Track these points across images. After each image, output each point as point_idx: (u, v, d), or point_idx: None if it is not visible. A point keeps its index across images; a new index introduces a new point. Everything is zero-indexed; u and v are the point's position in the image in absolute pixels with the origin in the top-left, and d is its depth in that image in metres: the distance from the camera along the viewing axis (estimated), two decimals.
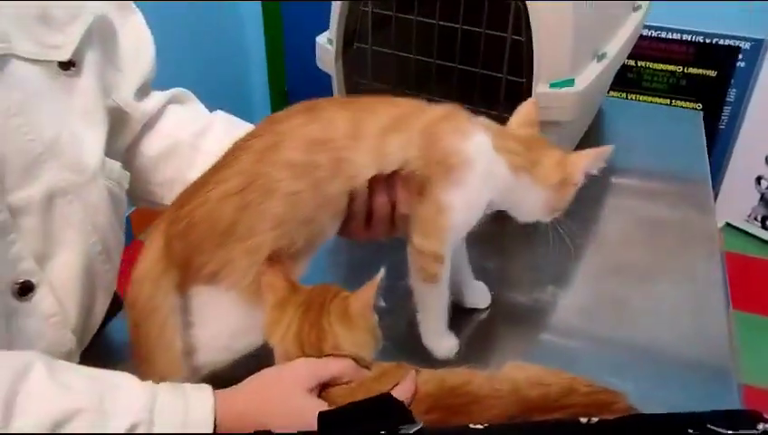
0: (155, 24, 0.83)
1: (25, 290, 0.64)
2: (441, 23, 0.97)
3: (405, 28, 1.00)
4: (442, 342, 0.81)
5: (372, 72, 1.06)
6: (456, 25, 0.95)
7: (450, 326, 0.81)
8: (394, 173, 0.70)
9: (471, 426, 0.47)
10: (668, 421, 0.44)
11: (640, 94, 2.58)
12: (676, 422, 0.43)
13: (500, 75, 0.96)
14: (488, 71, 0.97)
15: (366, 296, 0.65)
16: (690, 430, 0.42)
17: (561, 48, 0.92)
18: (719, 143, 2.58)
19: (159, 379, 0.63)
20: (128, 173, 0.75)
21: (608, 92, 2.58)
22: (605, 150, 0.77)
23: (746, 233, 2.62)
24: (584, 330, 0.90)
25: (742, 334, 2.21)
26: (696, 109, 2.50)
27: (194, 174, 0.71)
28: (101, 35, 0.73)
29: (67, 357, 0.69)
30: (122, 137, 0.80)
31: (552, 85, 0.94)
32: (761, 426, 0.41)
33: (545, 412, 0.59)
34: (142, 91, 0.81)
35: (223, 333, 0.69)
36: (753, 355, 2.13)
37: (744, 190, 2.57)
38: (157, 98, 0.84)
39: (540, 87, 0.94)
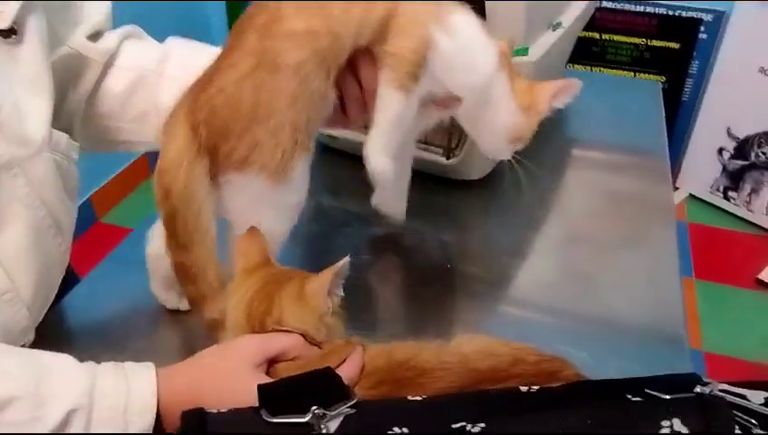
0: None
1: None
2: None
3: None
4: (383, 157, 0.74)
5: None
6: None
7: (405, 299, 0.81)
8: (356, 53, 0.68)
9: (409, 398, 0.46)
10: (608, 387, 0.44)
11: (604, 67, 2.59)
12: (615, 388, 0.43)
13: None
14: None
15: (323, 279, 0.63)
16: (629, 395, 0.42)
17: (514, 17, 0.91)
18: (682, 115, 2.61)
19: (196, 270, 0.67)
20: (76, 144, 0.72)
21: (572, 65, 2.63)
22: (573, 84, 0.77)
23: (709, 204, 2.66)
24: (541, 301, 0.90)
25: (705, 303, 2.25)
26: (658, 81, 2.51)
27: (165, 100, 0.70)
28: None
29: (22, 334, 0.67)
30: (85, 82, 0.79)
31: None
32: (698, 388, 0.41)
33: (494, 383, 0.59)
34: (96, 37, 0.80)
35: (258, 220, 0.68)
36: (715, 323, 2.17)
37: (707, 162, 2.60)
38: (111, 37, 0.82)
39: None
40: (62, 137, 0.69)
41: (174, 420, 0.54)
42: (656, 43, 2.49)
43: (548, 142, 1.15)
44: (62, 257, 0.73)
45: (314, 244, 0.97)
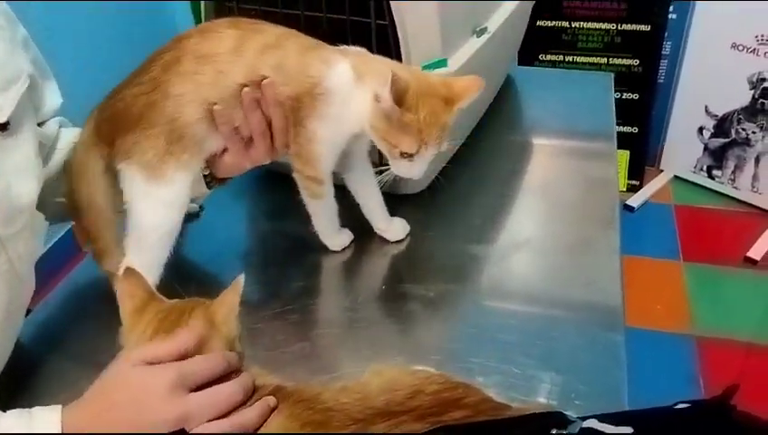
0: (86, 26, 0.88)
1: None
2: (306, 13, 0.93)
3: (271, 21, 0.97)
4: (334, 239, 0.97)
5: None
6: (321, 14, 0.92)
7: (350, 322, 0.88)
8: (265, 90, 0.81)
9: None
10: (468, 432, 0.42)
11: (577, 56, 2.55)
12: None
13: None
14: None
15: (231, 302, 0.64)
16: None
17: (428, 28, 0.90)
18: (660, 98, 2.57)
19: (95, 231, 0.85)
20: (47, 222, 0.79)
21: (544, 55, 2.60)
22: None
23: (694, 184, 2.62)
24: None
25: (693, 285, 2.22)
26: (632, 65, 2.48)
27: None
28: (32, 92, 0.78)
29: None
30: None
31: (424, 67, 0.91)
32: (554, 432, 0.40)
33: (389, 417, 0.58)
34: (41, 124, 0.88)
35: (139, 210, 0.83)
36: (704, 306, 2.14)
37: (688, 142, 2.57)
38: (52, 123, 0.89)
39: None
40: (39, 216, 0.75)
41: None
42: (626, 26, 2.45)
43: (507, 135, 1.28)
44: (21, 320, 0.79)
45: (261, 269, 0.99)
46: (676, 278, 2.26)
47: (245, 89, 0.80)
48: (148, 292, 0.67)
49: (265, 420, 0.58)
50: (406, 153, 0.80)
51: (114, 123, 0.82)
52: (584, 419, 0.42)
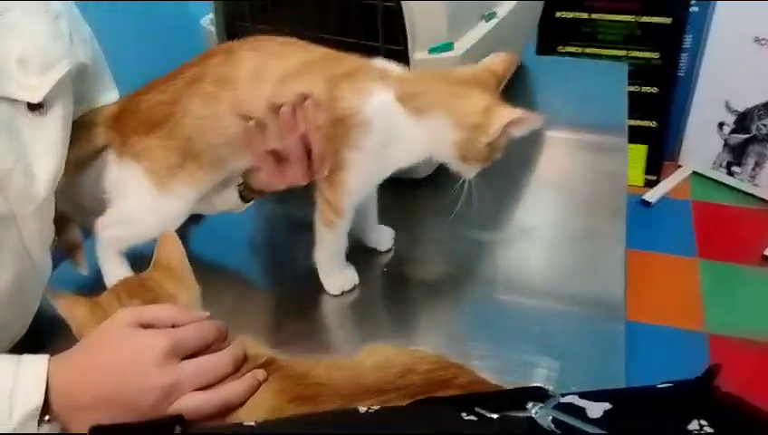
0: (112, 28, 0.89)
1: None
2: None
3: (280, 3, 0.96)
4: (334, 278, 0.87)
5: None
6: None
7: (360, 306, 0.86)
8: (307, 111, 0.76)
9: (244, 423, 0.45)
10: (443, 406, 0.42)
11: (597, 48, 2.53)
12: (450, 407, 0.42)
13: (377, 44, 0.92)
14: (366, 41, 0.93)
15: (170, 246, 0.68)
16: (463, 414, 0.41)
17: (434, 11, 0.89)
18: (680, 91, 2.54)
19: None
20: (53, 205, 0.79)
21: (563, 47, 2.57)
22: (534, 119, 0.75)
23: (713, 181, 2.59)
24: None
25: (709, 283, 2.19)
26: (651, 58, 2.45)
27: None
28: (76, 80, 0.78)
29: None
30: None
31: (431, 50, 0.90)
32: (530, 405, 0.40)
33: (379, 395, 0.58)
34: None
35: (135, 207, 0.83)
36: (721, 304, 2.11)
37: (708, 138, 2.53)
38: None
39: (418, 54, 0.91)
40: (52, 202, 0.76)
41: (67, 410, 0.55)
42: (647, 19, 2.42)
43: None
44: (36, 301, 0.79)
45: (265, 250, 1.00)
46: (692, 275, 2.23)
47: (283, 108, 0.75)
48: (84, 300, 0.65)
49: (252, 395, 0.58)
50: None
51: (133, 120, 0.81)
52: (564, 395, 0.42)
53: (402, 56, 0.92)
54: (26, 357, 0.59)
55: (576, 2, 2.47)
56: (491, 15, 1.00)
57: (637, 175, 2.59)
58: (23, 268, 0.73)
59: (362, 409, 0.46)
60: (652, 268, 2.22)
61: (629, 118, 1.27)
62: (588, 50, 2.54)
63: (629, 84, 1.37)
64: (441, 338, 0.84)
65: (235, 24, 1.03)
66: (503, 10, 1.03)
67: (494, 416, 0.39)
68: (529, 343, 0.79)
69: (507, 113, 0.73)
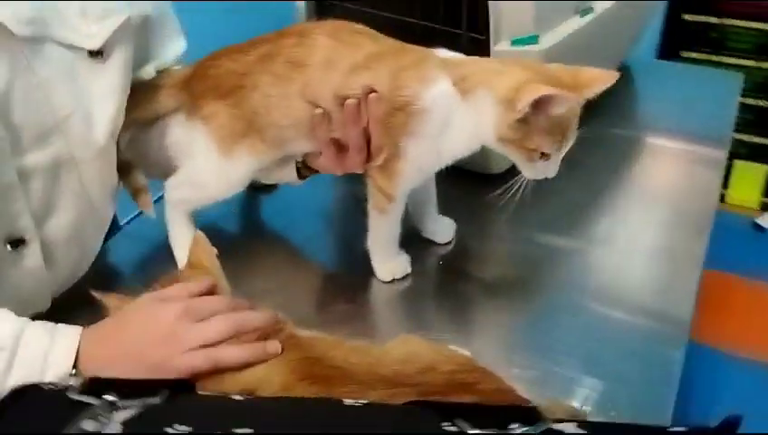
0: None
1: (17, 243, 0.71)
2: None
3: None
4: (387, 264, 0.87)
5: None
6: None
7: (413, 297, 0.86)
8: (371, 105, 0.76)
9: (233, 397, 0.45)
10: (424, 413, 0.40)
11: (724, 56, 2.34)
12: (433, 415, 0.40)
13: (460, 31, 0.90)
14: (449, 27, 0.91)
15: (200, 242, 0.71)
16: (444, 424, 0.39)
17: (521, 2, 0.85)
18: None
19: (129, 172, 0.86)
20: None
21: (686, 53, 2.40)
22: (570, 97, 0.70)
23: None
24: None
25: None
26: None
27: None
28: (140, 31, 0.81)
29: (34, 306, 0.76)
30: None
31: (514, 42, 0.87)
32: (514, 426, 0.37)
33: (393, 386, 0.57)
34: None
35: (201, 169, 0.85)
36: None
37: None
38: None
39: (500, 45, 0.88)
40: (114, 148, 0.80)
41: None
42: None
43: (613, 128, 1.20)
44: (97, 244, 0.84)
45: (331, 230, 1.02)
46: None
47: (348, 100, 0.75)
48: (128, 299, 0.68)
49: (253, 362, 0.59)
50: (546, 154, 0.75)
51: (202, 84, 0.82)
52: (560, 422, 0.39)
53: (483, 46, 0.89)
54: (61, 326, 0.64)
55: (705, 4, 2.30)
56: (587, 11, 0.95)
57: (753, 196, 2.40)
58: (82, 211, 0.76)
59: (348, 401, 0.45)
60: (759, 299, 2.05)
61: (751, 134, 1.18)
62: (714, 57, 2.36)
63: (756, 98, 1.27)
64: (485, 340, 0.81)
65: (324, 3, 1.03)
66: (601, 6, 0.97)
67: (473, 432, 0.37)
68: (576, 358, 0.75)
69: (536, 88, 0.69)
